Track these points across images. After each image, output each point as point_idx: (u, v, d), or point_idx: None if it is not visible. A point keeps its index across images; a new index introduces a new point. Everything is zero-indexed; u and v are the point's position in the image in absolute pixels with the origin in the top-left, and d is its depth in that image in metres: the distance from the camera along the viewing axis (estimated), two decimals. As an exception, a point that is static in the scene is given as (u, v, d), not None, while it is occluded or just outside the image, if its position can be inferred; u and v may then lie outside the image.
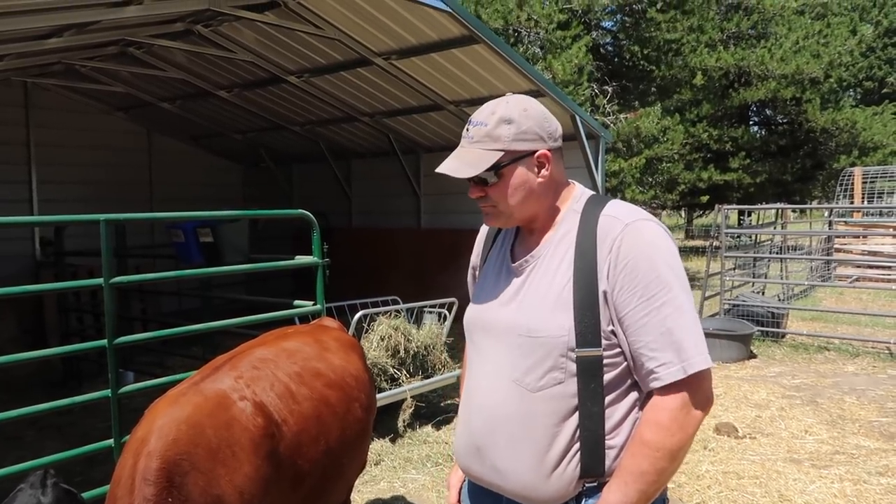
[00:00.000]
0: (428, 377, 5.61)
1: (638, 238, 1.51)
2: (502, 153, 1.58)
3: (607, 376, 1.53)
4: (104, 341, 3.18)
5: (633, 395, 1.57)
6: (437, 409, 5.85)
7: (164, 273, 3.75)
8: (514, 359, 1.57)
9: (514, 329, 1.58)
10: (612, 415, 1.54)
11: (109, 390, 3.19)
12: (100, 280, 3.16)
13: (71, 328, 7.73)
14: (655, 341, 1.47)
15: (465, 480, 1.88)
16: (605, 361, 1.52)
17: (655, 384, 1.48)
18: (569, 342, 1.51)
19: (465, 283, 2.01)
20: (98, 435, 5.20)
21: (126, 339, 3.37)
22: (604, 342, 1.51)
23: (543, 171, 1.62)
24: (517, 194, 1.61)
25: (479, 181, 1.62)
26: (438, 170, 1.62)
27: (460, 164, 1.60)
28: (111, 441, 3.22)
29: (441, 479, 4.59)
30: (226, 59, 7.31)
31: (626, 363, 1.54)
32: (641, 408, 1.56)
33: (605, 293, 1.50)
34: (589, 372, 1.51)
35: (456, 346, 6.28)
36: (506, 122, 1.59)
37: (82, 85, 8.78)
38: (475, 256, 1.93)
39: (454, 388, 6.02)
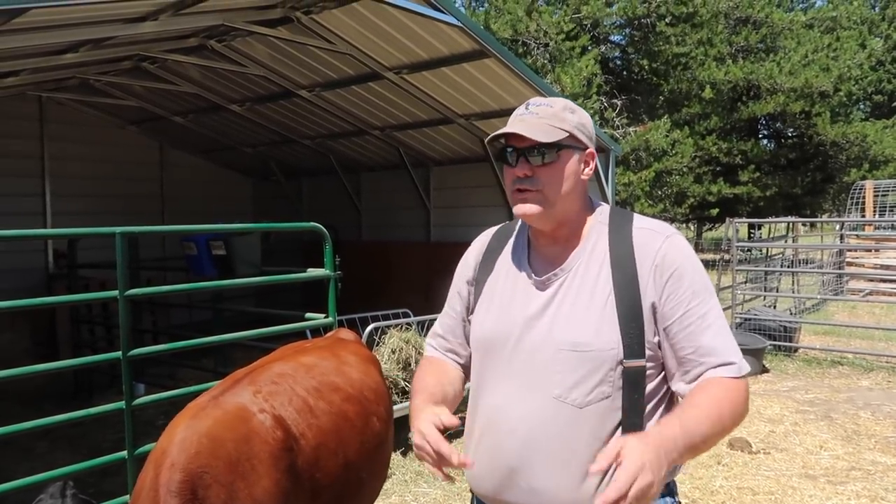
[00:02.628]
0: (439, 390, 5.58)
1: (679, 250, 1.57)
2: (568, 134, 1.58)
3: (648, 387, 1.54)
4: (118, 353, 3.19)
5: (664, 404, 1.59)
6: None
7: (180, 286, 3.77)
8: (556, 375, 1.53)
9: (554, 344, 1.55)
10: (649, 426, 1.53)
11: (123, 402, 3.19)
12: (115, 292, 3.18)
13: (83, 340, 7.76)
14: (704, 347, 1.51)
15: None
16: (647, 372, 1.54)
17: (711, 375, 1.52)
18: (618, 355, 1.51)
19: None
20: (108, 447, 5.21)
21: (140, 350, 3.38)
22: (647, 353, 1.53)
23: (587, 170, 1.64)
24: (568, 181, 1.59)
25: (530, 159, 1.57)
26: (507, 129, 1.57)
27: (530, 129, 1.56)
28: (125, 453, 3.22)
29: (453, 493, 4.56)
30: (238, 73, 7.37)
31: (662, 373, 1.57)
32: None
33: (652, 304, 1.53)
34: (633, 383, 1.52)
35: (467, 359, 6.26)
36: (570, 110, 1.62)
37: (96, 99, 8.87)
38: (468, 270, 1.83)
39: (464, 402, 5.99)
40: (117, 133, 10.40)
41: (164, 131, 10.50)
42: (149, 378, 7.04)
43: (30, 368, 2.99)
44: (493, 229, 1.88)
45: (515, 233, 1.80)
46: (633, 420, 1.51)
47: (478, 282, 1.78)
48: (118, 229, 3.18)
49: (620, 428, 1.51)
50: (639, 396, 1.52)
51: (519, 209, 1.61)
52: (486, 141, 1.69)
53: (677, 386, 1.55)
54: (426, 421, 1.53)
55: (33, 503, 2.00)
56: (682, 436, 1.38)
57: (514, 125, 1.59)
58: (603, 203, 1.72)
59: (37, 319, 8.20)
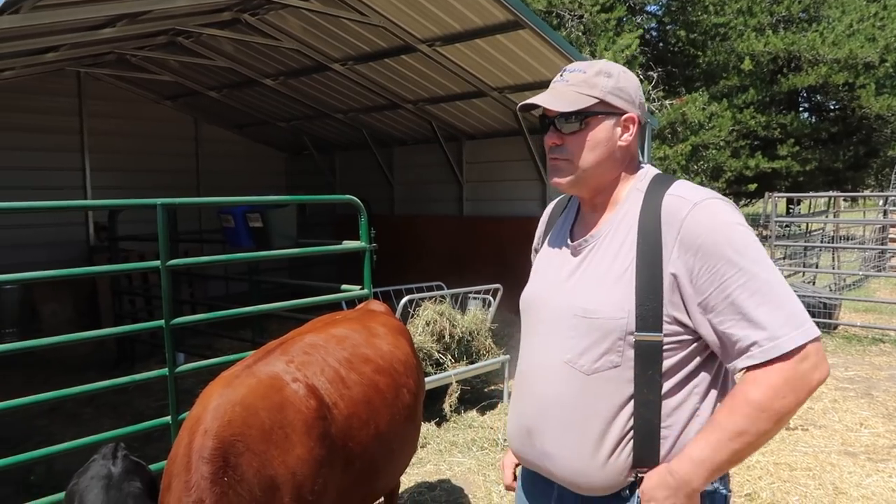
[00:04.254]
0: (472, 363, 5.62)
1: (708, 217, 1.43)
2: (596, 101, 1.55)
3: (666, 363, 1.47)
4: (161, 322, 3.26)
5: (693, 383, 1.49)
6: (482, 395, 5.87)
7: (218, 256, 3.82)
8: (568, 340, 1.53)
9: (570, 309, 1.54)
10: (669, 403, 1.48)
11: (166, 369, 3.27)
12: (157, 263, 3.24)
13: (124, 311, 7.97)
14: (743, 321, 1.38)
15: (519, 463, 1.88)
16: (665, 348, 1.46)
17: (750, 362, 1.39)
18: (627, 325, 1.46)
19: (506, 271, 1.99)
20: (151, 413, 5.37)
21: (182, 319, 3.45)
22: (665, 327, 1.45)
23: (626, 136, 1.59)
24: (597, 150, 1.56)
25: (560, 128, 1.57)
26: (529, 100, 1.59)
27: (552, 99, 1.56)
28: (168, 418, 3.30)
29: (486, 462, 4.60)
30: (271, 47, 7.39)
31: (687, 350, 1.47)
32: (705, 396, 1.50)
33: (673, 276, 1.44)
34: (647, 357, 1.46)
35: (500, 332, 6.27)
36: (605, 74, 1.57)
37: (133, 74, 8.98)
38: (536, 238, 1.91)
39: (498, 374, 6.02)
40: (153, 108, 10.54)
41: (199, 106, 10.60)
42: (188, 349, 7.20)
43: (76, 336, 3.07)
44: (560, 197, 1.91)
45: (572, 200, 1.82)
46: (647, 396, 1.46)
47: (539, 249, 1.85)
48: (159, 200, 3.23)
49: (633, 400, 1.47)
50: (654, 372, 1.45)
51: (552, 179, 1.66)
52: (517, 108, 1.66)
53: (727, 364, 1.46)
54: (509, 458, 1.89)
55: (86, 463, 2.06)
56: (712, 456, 1.39)
57: (542, 95, 1.59)
58: (651, 168, 1.66)
59: (79, 291, 8.43)
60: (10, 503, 2.87)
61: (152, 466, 2.27)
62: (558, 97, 1.56)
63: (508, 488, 1.90)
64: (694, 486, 1.42)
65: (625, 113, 1.58)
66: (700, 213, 1.44)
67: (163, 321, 3.25)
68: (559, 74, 1.62)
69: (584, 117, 1.55)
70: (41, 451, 2.95)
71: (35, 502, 2.87)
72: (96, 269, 3.59)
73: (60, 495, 2.16)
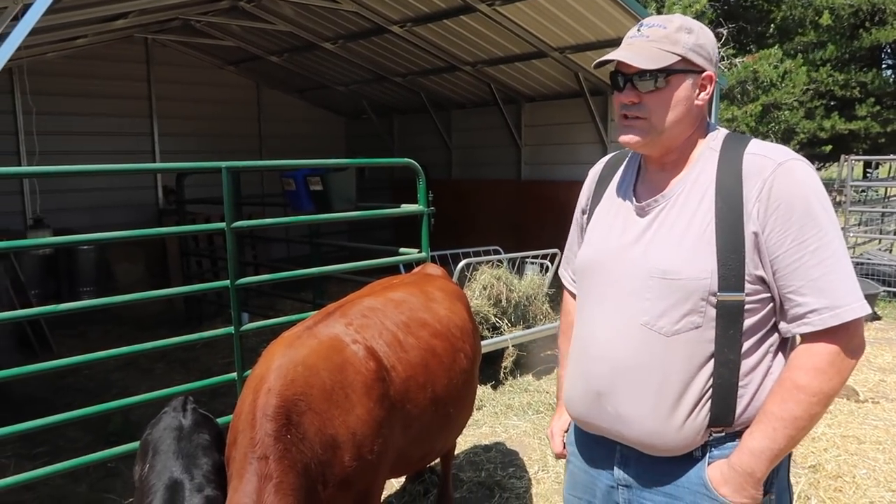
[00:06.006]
0: (529, 327, 5.62)
1: (792, 178, 1.43)
2: (679, 58, 1.50)
3: (746, 322, 1.46)
4: (226, 282, 3.36)
5: (769, 342, 1.50)
6: (538, 360, 5.87)
7: (280, 219, 3.90)
8: (644, 302, 1.51)
9: (645, 271, 1.52)
10: (747, 363, 1.48)
11: (232, 328, 3.39)
12: (222, 224, 3.33)
13: (191, 272, 8.27)
14: (807, 286, 1.40)
15: (568, 429, 1.87)
16: (745, 307, 1.45)
17: (806, 329, 1.42)
18: (710, 286, 1.44)
19: (565, 235, 1.95)
20: (218, 370, 5.58)
21: (246, 280, 3.55)
22: (747, 287, 1.44)
23: (703, 95, 1.55)
24: (677, 108, 1.52)
25: (637, 85, 1.52)
26: (609, 56, 1.53)
27: (634, 55, 1.50)
28: (234, 375, 3.43)
29: (542, 426, 4.62)
30: (331, 10, 7.38)
31: (766, 309, 1.47)
32: (777, 355, 1.51)
33: (755, 234, 1.43)
34: (729, 317, 1.45)
35: (557, 297, 6.23)
36: (686, 30, 1.52)
37: (197, 40, 9.16)
38: (583, 198, 1.86)
39: (554, 339, 6.00)
40: (217, 74, 10.74)
41: (261, 71, 10.74)
42: (252, 309, 7.43)
43: (147, 294, 3.20)
44: (607, 157, 1.86)
45: (627, 160, 1.77)
46: (727, 356, 1.46)
47: (590, 210, 1.79)
48: (224, 164, 3.31)
49: (713, 360, 1.47)
50: (735, 332, 1.45)
51: (623, 138, 1.58)
52: (592, 66, 1.61)
53: (781, 326, 1.48)
54: (558, 426, 1.94)
55: (159, 415, 2.17)
56: (770, 446, 1.43)
57: (620, 51, 1.53)
58: (721, 128, 1.63)
59: (150, 252, 8.78)
60: (91, 450, 3.05)
61: (219, 420, 2.36)
62: (640, 53, 1.50)
63: (560, 456, 1.90)
64: (757, 477, 1.45)
65: (704, 71, 1.54)
66: (785, 173, 1.43)
67: (228, 281, 3.35)
68: (636, 28, 1.56)
69: (667, 75, 1.50)
70: (118, 403, 3.11)
71: (113, 450, 3.04)
72: (164, 231, 3.73)
73: (136, 444, 2.29)
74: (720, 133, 1.60)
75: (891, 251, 10.15)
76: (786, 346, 1.53)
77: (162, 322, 7.61)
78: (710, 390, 1.48)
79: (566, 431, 1.89)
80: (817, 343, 1.41)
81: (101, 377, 5.79)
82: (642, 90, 1.52)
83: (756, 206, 1.43)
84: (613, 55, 1.52)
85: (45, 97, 8.52)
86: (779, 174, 1.43)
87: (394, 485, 3.78)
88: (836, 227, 1.43)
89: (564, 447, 1.88)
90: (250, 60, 10.19)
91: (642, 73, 1.50)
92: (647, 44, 1.51)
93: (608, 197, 1.73)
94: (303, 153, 9.81)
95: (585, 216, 1.82)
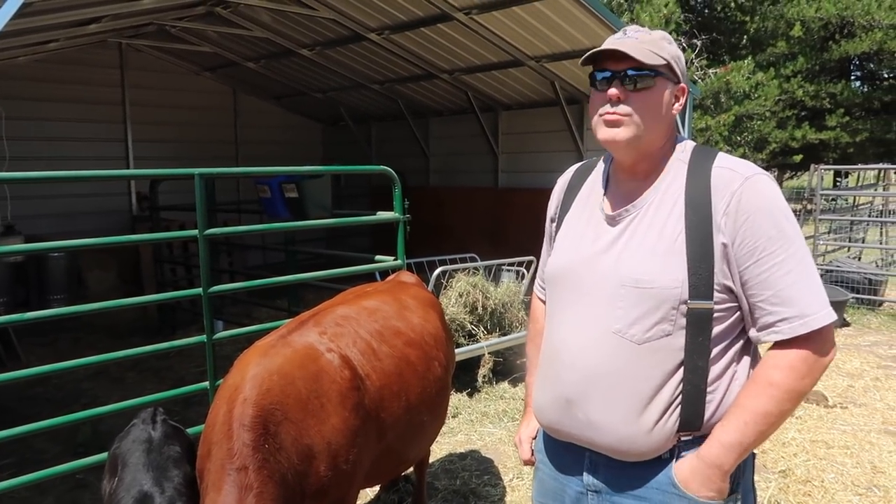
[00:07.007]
0: (505, 334, 5.63)
1: (758, 192, 1.48)
2: (666, 63, 1.55)
3: (714, 330, 1.50)
4: (199, 290, 3.33)
5: (735, 348, 1.54)
6: (514, 367, 5.88)
7: (254, 226, 3.88)
8: (617, 310, 1.53)
9: (618, 279, 1.54)
10: (715, 369, 1.51)
11: (205, 336, 3.35)
12: (195, 231, 3.30)
13: (165, 279, 8.16)
14: (776, 296, 1.45)
15: (536, 436, 1.88)
16: (714, 315, 1.49)
17: (777, 337, 1.47)
18: (682, 294, 1.48)
19: (541, 243, 1.95)
20: (192, 378, 5.52)
21: (219, 287, 3.52)
22: (715, 295, 1.48)
23: (677, 105, 1.60)
24: (660, 112, 1.56)
25: (625, 82, 1.52)
26: (605, 46, 1.54)
27: (631, 49, 1.51)
28: (206, 384, 3.39)
29: (515, 432, 4.63)
30: (308, 16, 7.37)
31: (733, 317, 1.52)
32: (741, 360, 1.55)
33: (724, 245, 1.47)
34: (698, 325, 1.49)
35: (533, 305, 6.26)
36: (667, 41, 1.58)
37: (172, 45, 9.07)
38: (552, 207, 1.87)
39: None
40: (193, 80, 10.65)
41: (238, 77, 10.68)
42: (227, 317, 7.35)
43: (119, 302, 3.16)
44: (576, 166, 1.87)
45: (595, 169, 1.79)
46: (696, 362, 1.50)
47: (559, 219, 1.80)
48: (197, 170, 3.28)
49: (683, 367, 1.50)
50: (704, 339, 1.49)
51: (606, 133, 1.57)
52: (580, 61, 1.61)
53: (750, 333, 1.52)
54: (526, 433, 1.94)
55: (128, 427, 2.13)
56: (740, 439, 1.47)
57: (613, 45, 1.54)
58: (689, 140, 1.67)
59: (123, 259, 8.65)
60: (58, 461, 2.99)
61: (191, 430, 2.33)
62: (637, 50, 1.51)
63: (528, 463, 1.91)
64: (725, 469, 1.49)
65: (679, 82, 1.59)
66: (752, 187, 1.48)
67: (201, 289, 3.32)
68: (621, 33, 1.59)
69: (657, 76, 1.53)
70: (87, 413, 3.06)
71: (82, 461, 2.99)
72: (138, 238, 3.68)
73: (105, 455, 2.25)
74: (688, 144, 1.64)
75: (859, 259, 10.35)
76: (750, 351, 1.57)
77: (135, 330, 7.50)
78: (680, 396, 1.51)
79: (534, 438, 1.90)
80: (791, 348, 1.46)
81: (71, 386, 5.69)
82: (630, 88, 1.53)
83: (724, 218, 1.47)
84: (612, 45, 1.53)
85: (17, 101, 8.39)
86: (746, 188, 1.47)
87: (368, 494, 3.77)
88: (801, 238, 1.49)
89: (533, 454, 1.89)
90: (227, 66, 10.12)
91: (633, 70, 1.51)
92: (638, 44, 1.53)
93: (578, 206, 1.75)
94: (280, 160, 9.76)
95: (554, 225, 1.83)
